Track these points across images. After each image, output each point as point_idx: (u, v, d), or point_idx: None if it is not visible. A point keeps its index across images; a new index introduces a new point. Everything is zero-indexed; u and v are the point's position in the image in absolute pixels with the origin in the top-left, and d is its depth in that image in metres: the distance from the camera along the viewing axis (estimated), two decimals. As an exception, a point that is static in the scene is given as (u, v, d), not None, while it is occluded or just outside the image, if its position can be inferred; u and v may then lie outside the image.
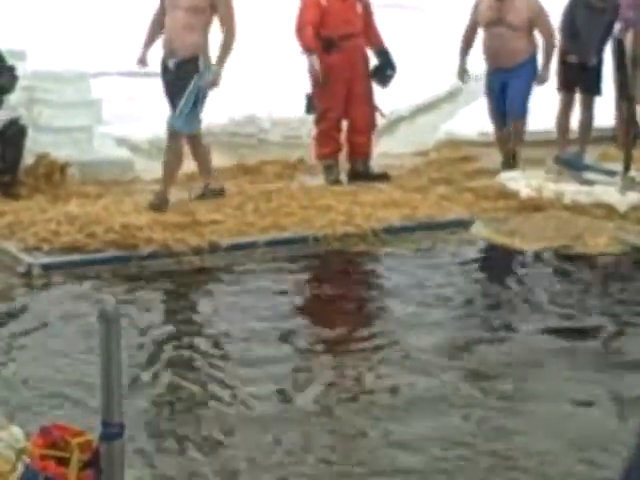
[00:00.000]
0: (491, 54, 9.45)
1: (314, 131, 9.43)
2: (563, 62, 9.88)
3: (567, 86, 9.95)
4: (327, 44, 8.98)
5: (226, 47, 8.18)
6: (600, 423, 5.15)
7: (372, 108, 9.42)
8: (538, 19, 9.41)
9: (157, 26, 8.45)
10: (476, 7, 9.59)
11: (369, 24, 9.32)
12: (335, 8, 9.02)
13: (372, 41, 9.34)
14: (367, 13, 9.31)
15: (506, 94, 9.49)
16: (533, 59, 9.52)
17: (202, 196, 8.44)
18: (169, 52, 8.24)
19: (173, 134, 8.21)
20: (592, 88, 9.92)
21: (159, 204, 7.98)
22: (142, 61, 8.50)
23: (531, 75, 9.50)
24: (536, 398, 5.42)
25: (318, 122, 9.28)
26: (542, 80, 9.54)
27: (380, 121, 9.76)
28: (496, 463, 4.74)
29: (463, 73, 9.77)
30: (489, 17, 9.39)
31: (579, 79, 9.87)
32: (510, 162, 9.58)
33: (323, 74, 8.90)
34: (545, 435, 4.98)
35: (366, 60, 9.32)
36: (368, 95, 9.33)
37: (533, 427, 5.08)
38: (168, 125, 8.24)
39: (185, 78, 8.12)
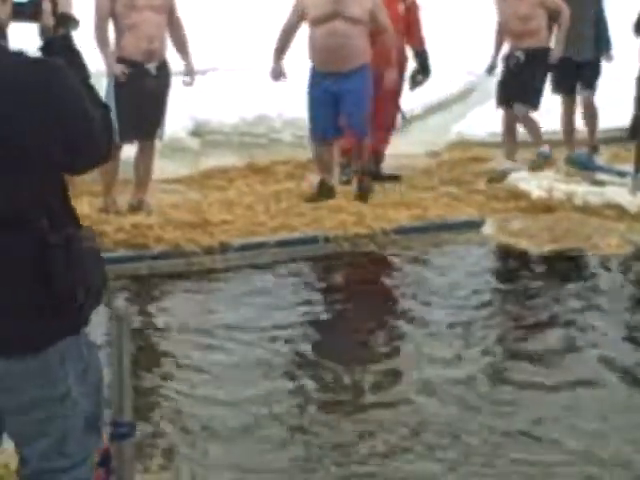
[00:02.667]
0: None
1: None
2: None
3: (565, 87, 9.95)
4: None
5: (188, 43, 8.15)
6: None
7: (396, 108, 9.47)
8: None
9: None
10: None
11: (411, 24, 9.33)
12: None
13: (411, 41, 9.42)
14: (411, 13, 9.32)
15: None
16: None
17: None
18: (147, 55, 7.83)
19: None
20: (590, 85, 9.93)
21: None
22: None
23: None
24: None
25: None
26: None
27: (400, 123, 9.79)
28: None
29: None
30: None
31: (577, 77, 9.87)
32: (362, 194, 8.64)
33: None
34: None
35: (400, 60, 9.26)
36: (393, 94, 9.32)
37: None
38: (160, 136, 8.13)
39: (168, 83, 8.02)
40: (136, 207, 8.03)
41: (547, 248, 7.83)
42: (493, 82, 10.00)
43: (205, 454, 4.75)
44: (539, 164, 9.50)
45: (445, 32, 13.63)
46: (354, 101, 8.34)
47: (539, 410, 5.21)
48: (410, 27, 9.35)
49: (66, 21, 3.09)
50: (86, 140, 2.83)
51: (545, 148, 9.64)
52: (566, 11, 9.40)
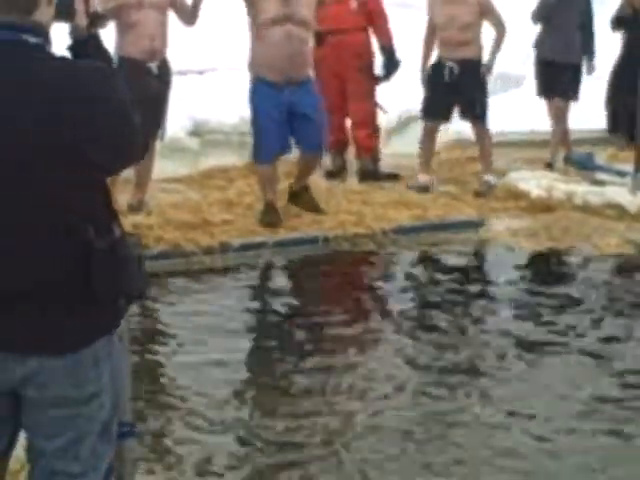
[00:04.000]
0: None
1: None
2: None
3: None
4: (317, 38, 8.90)
5: None
6: None
7: (372, 103, 9.50)
8: None
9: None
10: None
11: (375, 19, 9.36)
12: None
13: (377, 36, 9.44)
14: (368, 8, 9.32)
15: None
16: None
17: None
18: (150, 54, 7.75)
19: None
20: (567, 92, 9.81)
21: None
22: None
23: None
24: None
25: None
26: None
27: (383, 118, 9.79)
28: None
29: None
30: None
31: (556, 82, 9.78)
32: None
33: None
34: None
35: (361, 56, 9.31)
36: (365, 91, 9.38)
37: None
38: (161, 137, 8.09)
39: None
40: (136, 207, 8.03)
41: (546, 248, 7.83)
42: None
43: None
44: (482, 192, 8.98)
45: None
46: (309, 115, 7.87)
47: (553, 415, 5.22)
48: (374, 22, 9.37)
49: (99, 20, 3.09)
50: (129, 142, 2.87)
51: (490, 177, 9.15)
52: (503, 26, 9.07)
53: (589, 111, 10.40)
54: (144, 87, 7.30)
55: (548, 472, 4.62)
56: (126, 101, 2.85)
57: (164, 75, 7.89)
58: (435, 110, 9.16)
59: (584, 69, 9.88)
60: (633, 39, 10.48)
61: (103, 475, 3.01)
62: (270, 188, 8.05)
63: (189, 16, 8.06)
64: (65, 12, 2.99)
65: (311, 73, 8.16)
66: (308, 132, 7.93)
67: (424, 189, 9.01)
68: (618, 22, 10.54)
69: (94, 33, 3.08)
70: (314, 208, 8.20)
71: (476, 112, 9.11)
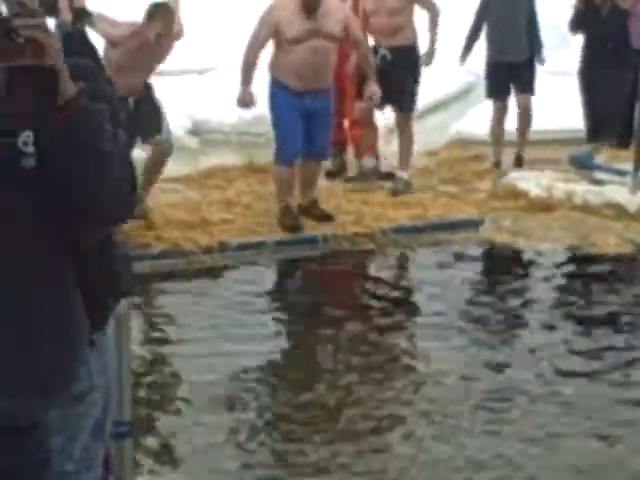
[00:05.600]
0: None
1: None
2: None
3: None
4: None
5: None
6: None
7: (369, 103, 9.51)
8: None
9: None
10: None
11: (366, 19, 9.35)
12: None
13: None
14: (359, 6, 9.29)
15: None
16: None
17: None
18: None
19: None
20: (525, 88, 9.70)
21: None
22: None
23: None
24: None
25: None
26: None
27: (382, 117, 9.79)
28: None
29: None
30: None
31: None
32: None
33: None
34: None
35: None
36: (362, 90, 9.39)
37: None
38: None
39: None
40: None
41: (546, 247, 7.83)
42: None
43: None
44: (398, 190, 8.82)
45: (444, 31, 13.62)
46: (324, 121, 7.91)
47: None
48: (365, 22, 9.34)
49: (84, 16, 3.07)
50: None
51: (405, 174, 8.94)
52: (436, 11, 8.88)
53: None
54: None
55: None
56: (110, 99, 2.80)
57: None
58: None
59: (537, 61, 9.77)
60: (595, 37, 10.03)
61: (96, 472, 3.01)
62: (288, 191, 7.96)
63: None
64: (48, 9, 2.98)
65: (331, 80, 8.02)
66: (319, 137, 7.89)
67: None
68: (577, 23, 10.18)
69: (80, 29, 3.06)
70: (326, 218, 8.07)
71: (402, 101, 8.86)
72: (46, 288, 2.38)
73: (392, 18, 8.75)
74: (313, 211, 8.15)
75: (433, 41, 9.00)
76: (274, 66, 7.88)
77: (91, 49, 3.04)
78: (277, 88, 7.87)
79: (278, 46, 7.85)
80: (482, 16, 9.77)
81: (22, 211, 2.26)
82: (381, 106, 8.87)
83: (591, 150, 9.56)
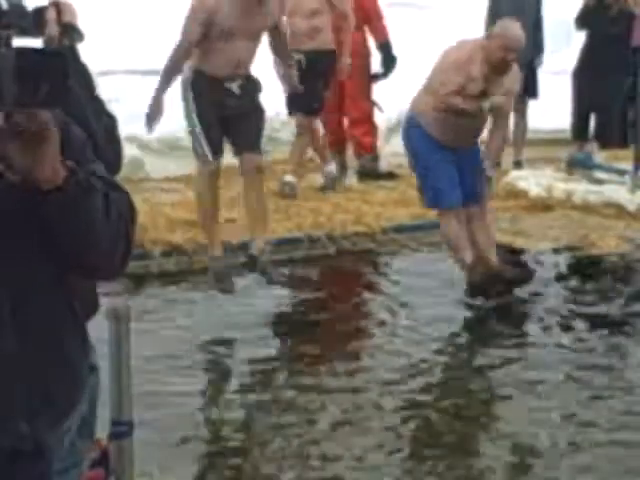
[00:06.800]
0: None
1: None
2: None
3: None
4: None
5: None
6: None
7: (368, 103, 9.51)
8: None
9: None
10: None
11: (371, 16, 9.35)
12: None
13: (372, 34, 9.43)
14: (368, 8, 9.32)
15: None
16: None
17: None
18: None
19: None
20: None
21: None
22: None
23: None
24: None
25: None
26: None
27: (382, 117, 9.81)
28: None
29: None
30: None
31: None
32: None
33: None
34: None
35: (357, 54, 9.25)
36: (361, 90, 9.39)
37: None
38: None
39: None
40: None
41: (546, 247, 7.84)
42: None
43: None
44: (327, 186, 8.81)
45: (444, 31, 13.64)
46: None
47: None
48: (370, 19, 9.36)
49: (71, 31, 3.05)
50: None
51: (331, 167, 8.89)
52: (352, 16, 8.58)
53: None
54: None
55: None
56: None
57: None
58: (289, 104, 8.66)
59: (535, 63, 9.80)
60: (599, 36, 10.08)
61: (81, 470, 3.01)
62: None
63: None
64: (34, 22, 2.96)
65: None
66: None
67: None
68: (584, 20, 10.19)
69: (70, 45, 3.04)
70: None
71: (310, 105, 8.50)
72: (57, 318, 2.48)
73: (309, 20, 8.41)
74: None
75: (346, 51, 8.64)
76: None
77: (82, 66, 3.03)
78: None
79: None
80: (491, 21, 9.78)
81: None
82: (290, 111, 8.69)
83: (578, 148, 9.60)
